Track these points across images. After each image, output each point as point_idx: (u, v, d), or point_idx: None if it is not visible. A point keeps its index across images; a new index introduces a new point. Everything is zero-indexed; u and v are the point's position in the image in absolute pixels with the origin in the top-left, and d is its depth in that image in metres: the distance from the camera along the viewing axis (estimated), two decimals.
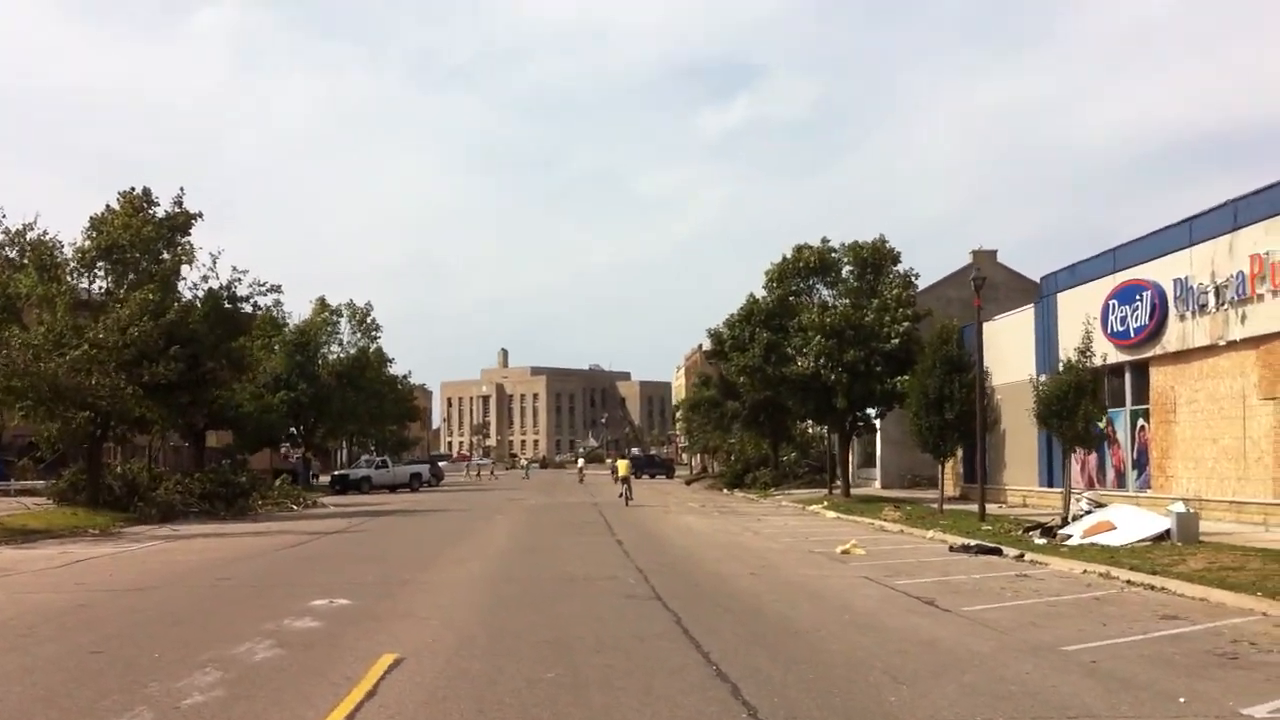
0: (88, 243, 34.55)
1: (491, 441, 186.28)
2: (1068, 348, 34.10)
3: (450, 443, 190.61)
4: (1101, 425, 27.39)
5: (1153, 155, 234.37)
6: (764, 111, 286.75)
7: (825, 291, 43.54)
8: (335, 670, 10.05)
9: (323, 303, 63.12)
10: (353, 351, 63.58)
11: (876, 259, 42.58)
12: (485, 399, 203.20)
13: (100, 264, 35.04)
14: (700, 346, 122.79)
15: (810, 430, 62.30)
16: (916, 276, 43.37)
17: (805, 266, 43.04)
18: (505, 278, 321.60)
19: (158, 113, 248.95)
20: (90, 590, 16.52)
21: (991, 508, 35.49)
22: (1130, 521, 22.96)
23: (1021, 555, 21.71)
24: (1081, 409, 24.75)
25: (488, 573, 18.68)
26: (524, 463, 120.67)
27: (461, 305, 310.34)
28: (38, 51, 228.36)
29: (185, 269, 37.06)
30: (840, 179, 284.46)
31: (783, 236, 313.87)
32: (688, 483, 76.02)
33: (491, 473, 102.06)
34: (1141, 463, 30.56)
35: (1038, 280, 51.90)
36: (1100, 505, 25.31)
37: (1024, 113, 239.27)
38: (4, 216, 32.35)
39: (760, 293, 44.09)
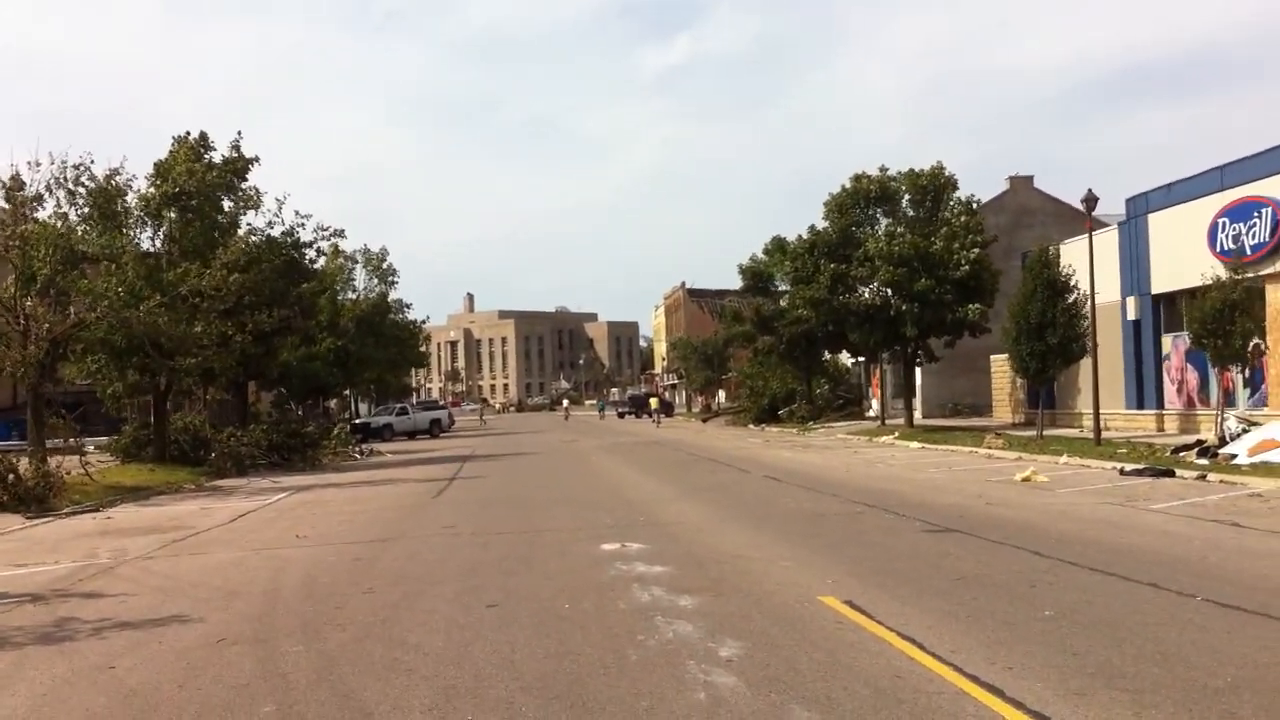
0: (152, 190, 33.03)
1: (463, 387, 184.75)
2: (1162, 269, 34.05)
3: (421, 389, 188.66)
4: (1265, 346, 27.17)
5: (1090, 83, 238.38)
6: (705, 49, 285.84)
7: (884, 221, 43.01)
8: (812, 616, 9.29)
9: (336, 249, 61.14)
10: (372, 297, 62.04)
11: (936, 185, 42.08)
12: (454, 344, 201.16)
13: (162, 213, 33.53)
14: (683, 284, 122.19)
15: (841, 362, 62.03)
16: (978, 203, 42.90)
17: (866, 196, 42.47)
18: (457, 225, 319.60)
19: (90, 69, 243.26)
20: (327, 545, 15.50)
21: (1071, 432, 35.49)
22: None
23: (1203, 476, 21.45)
24: (1239, 326, 24.52)
25: (716, 512, 17.89)
26: (495, 407, 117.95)
27: (418, 254, 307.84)
28: None
29: (251, 214, 35.68)
30: (783, 114, 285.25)
31: (729, 174, 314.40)
32: (704, 420, 75.04)
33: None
34: (1256, 381, 30.49)
35: (1078, 205, 51.81)
36: (1254, 424, 25.16)
37: (962, 44, 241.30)
38: (92, 162, 30.78)
39: (820, 223, 43.58)
